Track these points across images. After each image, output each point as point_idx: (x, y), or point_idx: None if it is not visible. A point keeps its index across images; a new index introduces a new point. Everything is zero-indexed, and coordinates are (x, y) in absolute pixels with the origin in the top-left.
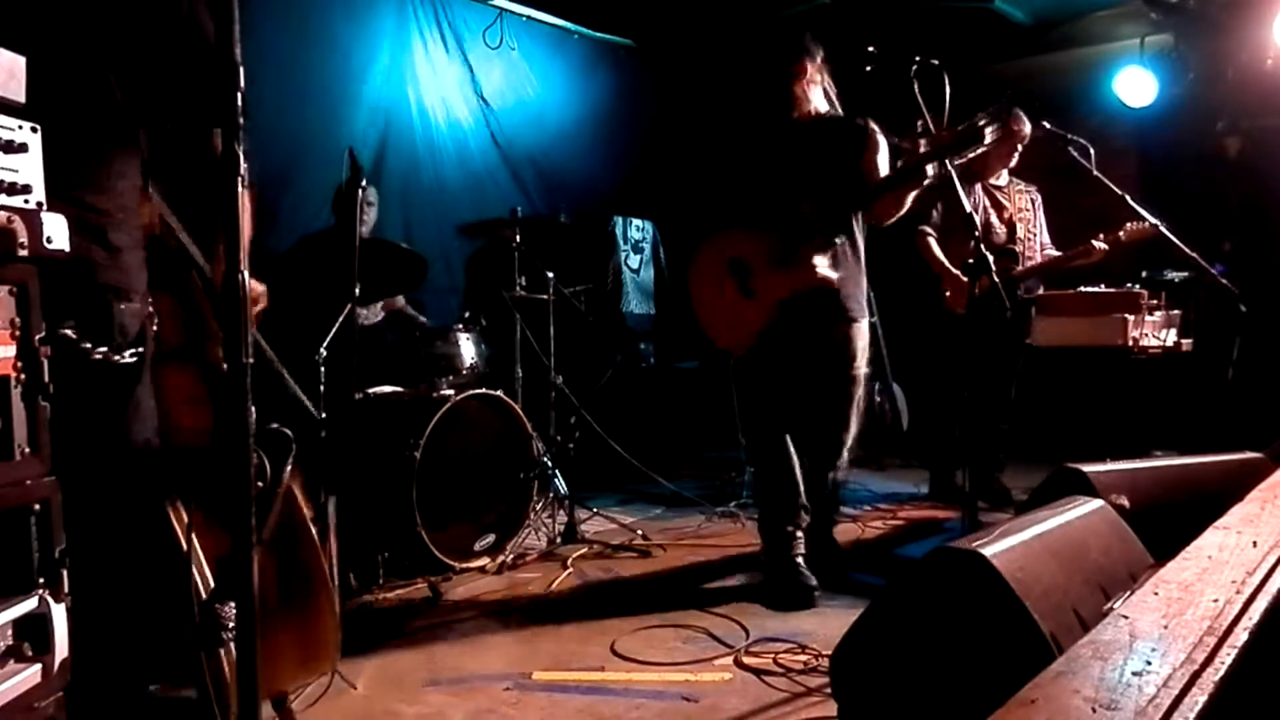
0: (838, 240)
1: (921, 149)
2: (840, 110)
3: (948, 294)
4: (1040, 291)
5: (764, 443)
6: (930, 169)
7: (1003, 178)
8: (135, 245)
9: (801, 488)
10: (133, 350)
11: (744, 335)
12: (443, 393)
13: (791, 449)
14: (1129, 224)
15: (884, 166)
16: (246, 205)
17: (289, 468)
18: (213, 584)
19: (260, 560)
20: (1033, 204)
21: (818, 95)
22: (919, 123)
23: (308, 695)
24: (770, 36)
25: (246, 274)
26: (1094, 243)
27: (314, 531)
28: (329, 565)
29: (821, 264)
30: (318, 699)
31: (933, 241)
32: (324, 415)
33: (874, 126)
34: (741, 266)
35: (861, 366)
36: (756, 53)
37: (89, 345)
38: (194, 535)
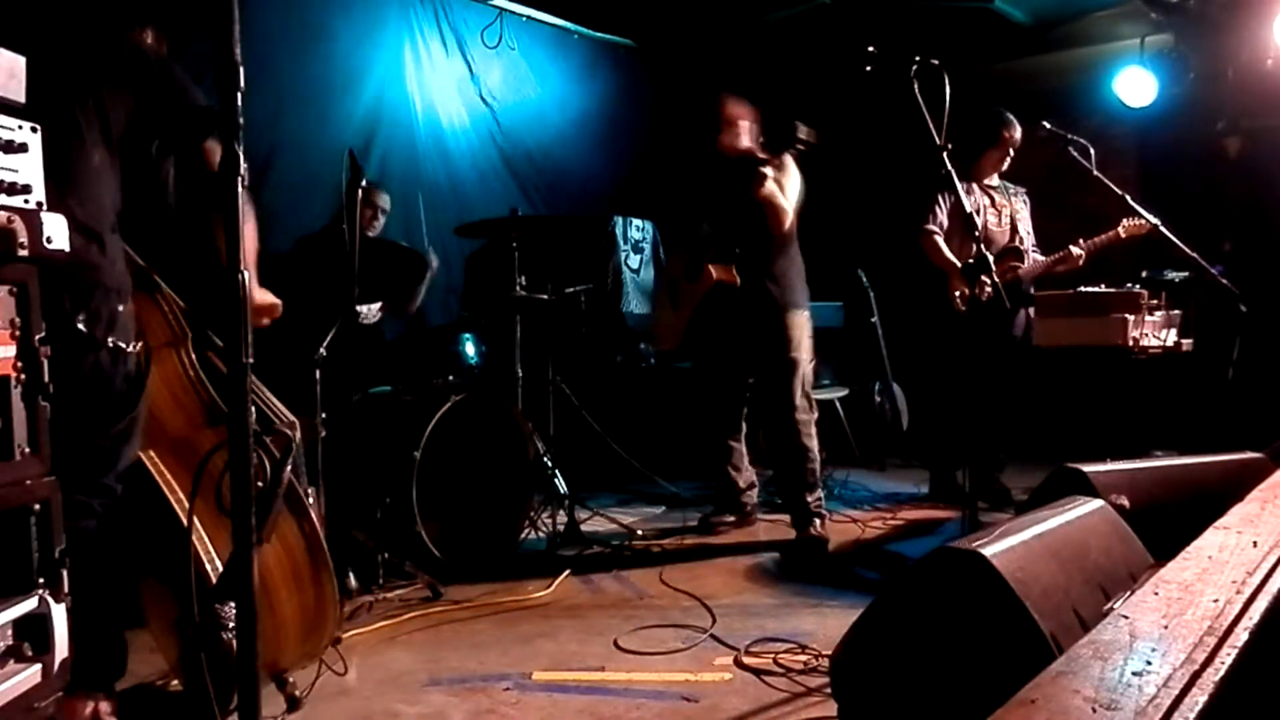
0: (739, 250)
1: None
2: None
3: (957, 294)
4: (1030, 293)
5: (708, 417)
6: (769, 171)
7: (994, 179)
8: (121, 255)
9: (739, 478)
10: (136, 342)
11: (671, 336)
12: (442, 393)
13: (735, 445)
14: (1125, 220)
15: (783, 193)
16: (249, 227)
17: (289, 468)
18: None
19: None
20: (1024, 205)
21: (745, 142)
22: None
23: (308, 694)
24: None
25: (248, 275)
26: (1072, 248)
27: (314, 513)
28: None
29: (718, 270)
30: (311, 688)
31: (939, 239)
32: (322, 415)
33: (768, 170)
34: (674, 285)
35: (799, 352)
36: (697, 109)
37: (100, 335)
38: (201, 531)
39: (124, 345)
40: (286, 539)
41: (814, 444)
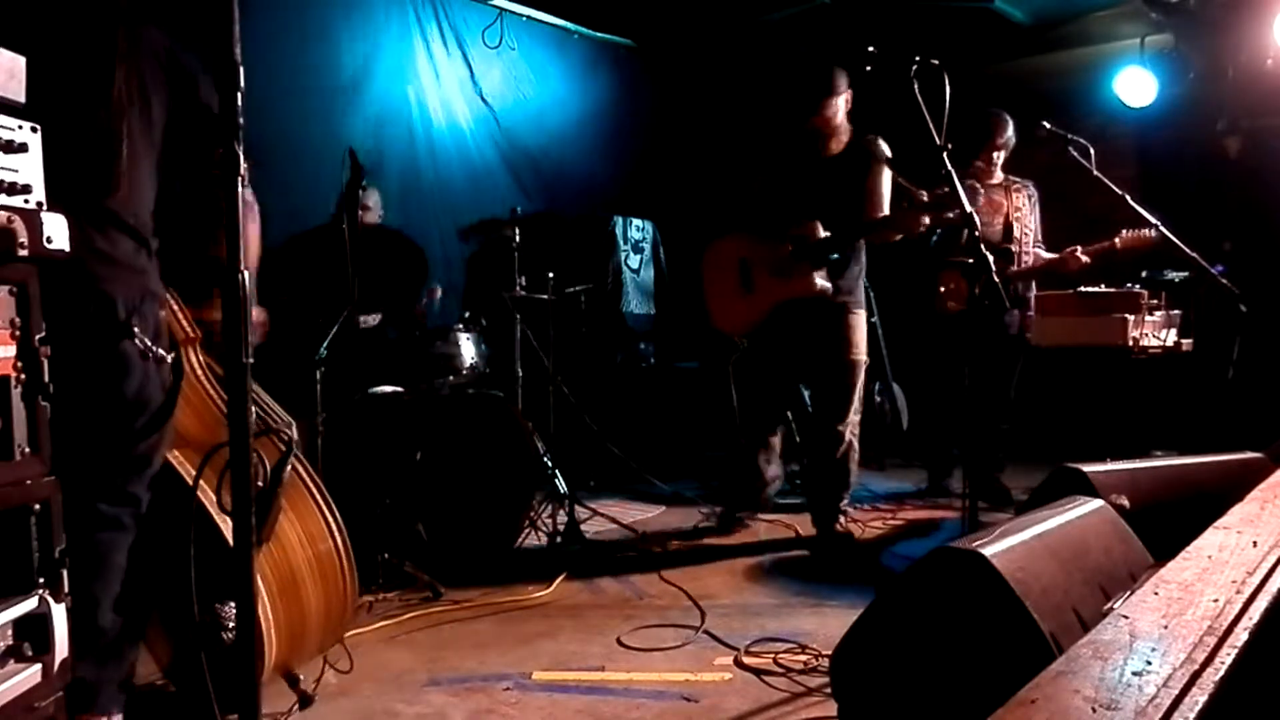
0: (834, 256)
1: (921, 200)
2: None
3: (941, 290)
4: (1031, 293)
5: (750, 424)
6: (926, 219)
7: (997, 176)
8: (156, 258)
9: (767, 471)
10: (172, 351)
11: (740, 324)
12: (443, 393)
13: (773, 441)
14: (1124, 231)
15: (885, 189)
16: (253, 228)
17: (289, 468)
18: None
19: (288, 543)
20: (1029, 201)
21: (842, 130)
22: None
23: (315, 690)
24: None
25: (247, 275)
26: (1079, 255)
27: (333, 513)
28: None
29: (819, 278)
30: (315, 686)
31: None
32: (322, 414)
33: (878, 152)
34: (747, 266)
35: (858, 353)
36: (790, 83)
37: (151, 343)
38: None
39: (164, 353)
40: (313, 535)
41: (857, 443)
